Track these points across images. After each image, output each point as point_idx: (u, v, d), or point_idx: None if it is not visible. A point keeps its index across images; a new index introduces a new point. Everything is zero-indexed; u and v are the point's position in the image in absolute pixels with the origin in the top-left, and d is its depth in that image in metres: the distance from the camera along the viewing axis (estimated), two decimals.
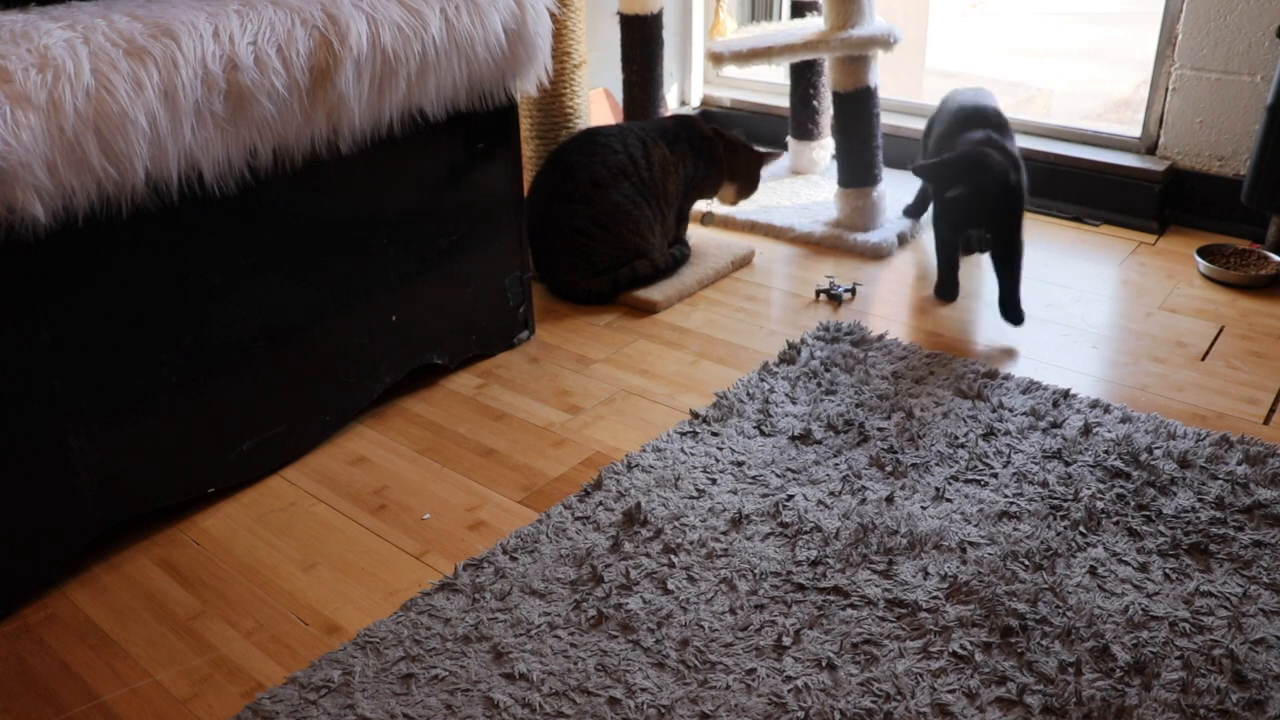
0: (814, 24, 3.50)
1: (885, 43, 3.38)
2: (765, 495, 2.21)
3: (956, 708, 1.69)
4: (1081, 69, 6.05)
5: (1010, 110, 3.22)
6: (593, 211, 3.04)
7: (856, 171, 3.52)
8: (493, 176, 2.68)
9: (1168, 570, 1.97)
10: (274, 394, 2.33)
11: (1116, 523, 2.09)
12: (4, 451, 1.90)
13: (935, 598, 1.91)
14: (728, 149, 3.33)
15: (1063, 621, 1.84)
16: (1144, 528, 2.07)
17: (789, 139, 4.07)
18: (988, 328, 2.93)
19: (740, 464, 2.31)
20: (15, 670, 1.85)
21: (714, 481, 2.26)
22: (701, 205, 3.42)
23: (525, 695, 1.73)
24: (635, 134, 3.15)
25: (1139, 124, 3.64)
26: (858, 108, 3.49)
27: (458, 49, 2.35)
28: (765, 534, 2.09)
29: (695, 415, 2.51)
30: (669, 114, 3.54)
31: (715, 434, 2.43)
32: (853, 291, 3.14)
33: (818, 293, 3.15)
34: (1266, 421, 2.47)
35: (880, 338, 2.82)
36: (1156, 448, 2.31)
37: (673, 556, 2.04)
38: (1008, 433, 2.39)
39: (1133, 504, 2.14)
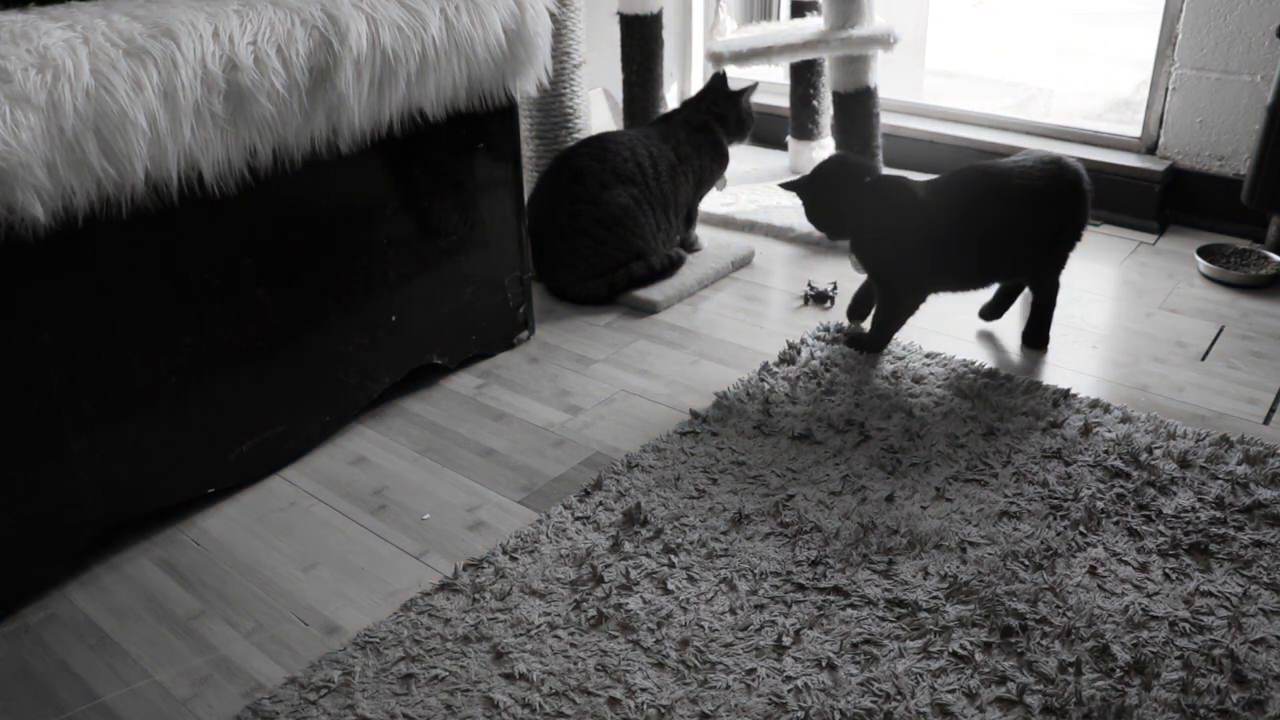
0: (814, 24, 3.50)
1: (885, 42, 3.38)
2: (765, 495, 2.21)
3: (956, 708, 1.69)
4: (1081, 68, 6.05)
5: (1011, 110, 3.21)
6: (598, 213, 3.04)
7: None
8: (492, 177, 2.68)
9: (1168, 570, 1.97)
10: (273, 394, 2.33)
11: (1116, 522, 2.09)
12: (4, 451, 1.90)
13: (935, 597, 1.91)
14: (722, 126, 3.32)
15: (1063, 621, 1.84)
16: (1144, 527, 2.07)
17: (789, 139, 4.08)
18: (988, 328, 2.93)
19: (740, 464, 2.31)
20: (15, 670, 1.85)
21: (714, 481, 2.26)
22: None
23: (525, 695, 1.73)
24: (643, 144, 3.15)
25: (1139, 124, 3.64)
26: (858, 108, 3.49)
27: (457, 49, 2.35)
28: (765, 534, 2.09)
29: (695, 415, 2.51)
30: (666, 111, 3.53)
31: (715, 434, 2.43)
32: (834, 286, 3.13)
33: (805, 298, 3.14)
34: (1266, 421, 2.47)
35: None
36: (1156, 448, 2.31)
37: (673, 556, 2.04)
38: (1008, 432, 2.39)
39: (1133, 504, 2.14)
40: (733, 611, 1.90)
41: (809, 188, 2.78)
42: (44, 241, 1.81)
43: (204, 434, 2.22)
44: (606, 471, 2.30)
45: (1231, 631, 1.82)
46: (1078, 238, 2.71)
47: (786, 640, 1.83)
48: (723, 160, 3.33)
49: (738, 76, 3.39)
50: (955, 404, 2.50)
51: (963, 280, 2.75)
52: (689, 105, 3.34)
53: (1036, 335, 2.82)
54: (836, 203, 2.74)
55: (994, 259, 2.70)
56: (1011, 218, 2.62)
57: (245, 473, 2.32)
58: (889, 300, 2.76)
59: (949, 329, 2.91)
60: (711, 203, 3.72)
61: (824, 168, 2.78)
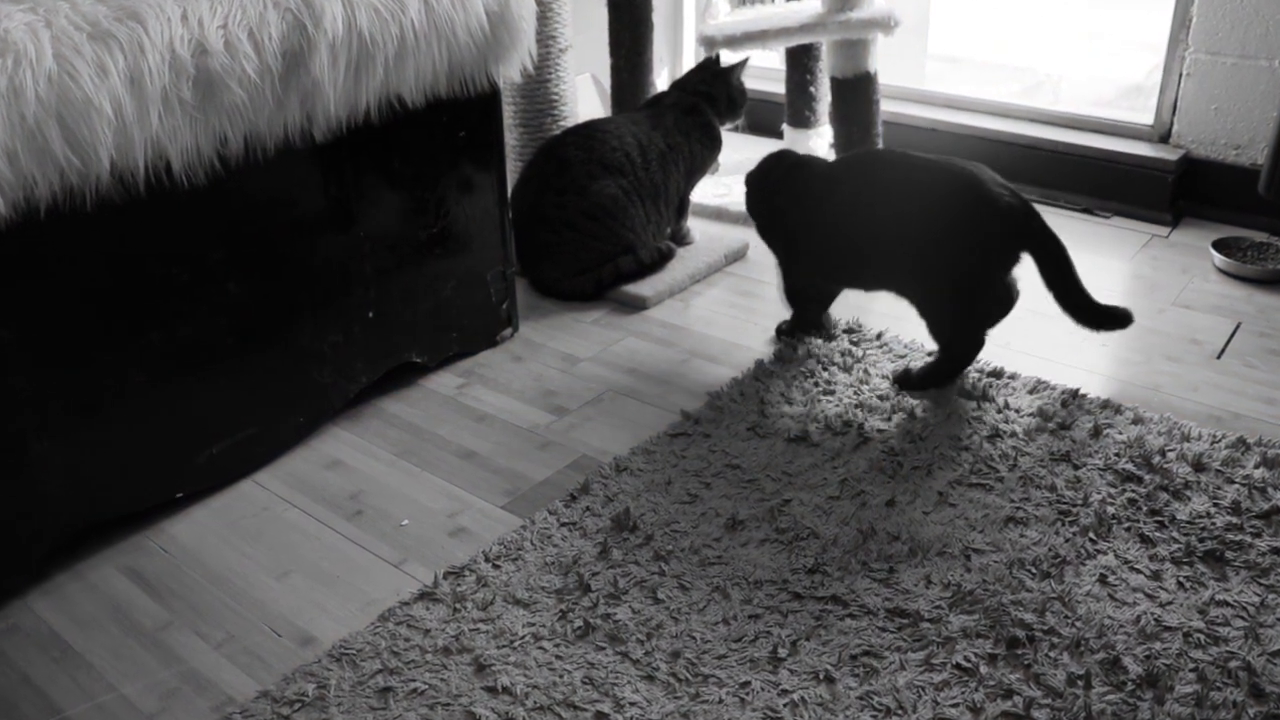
0: (811, 6, 3.50)
1: (885, 25, 3.39)
2: (760, 500, 2.21)
3: None
4: (1091, 53, 6.05)
5: (1017, 97, 3.20)
6: (586, 204, 3.04)
7: None
8: (474, 167, 2.68)
9: (1181, 578, 1.97)
10: (245, 394, 2.33)
11: (1128, 529, 2.10)
12: None
13: (938, 607, 1.92)
14: (712, 107, 3.32)
15: (1071, 632, 1.85)
16: (1157, 534, 2.08)
17: (785, 127, 4.07)
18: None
19: (734, 467, 2.32)
20: None
21: (707, 485, 2.27)
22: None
23: (508, 709, 1.74)
24: (631, 132, 3.16)
25: (1151, 111, 3.65)
26: (857, 94, 3.50)
27: (437, 32, 2.35)
28: (760, 540, 2.10)
29: (687, 416, 2.51)
30: (654, 94, 3.53)
31: (708, 436, 2.43)
32: None
33: None
34: None
35: (879, 335, 2.82)
36: (1170, 450, 2.31)
37: (663, 564, 2.04)
38: (1014, 434, 2.40)
39: (1145, 509, 2.15)
40: (726, 621, 1.90)
41: (751, 180, 2.84)
42: (4, 234, 1.81)
43: (172, 436, 2.22)
44: (594, 475, 2.31)
45: (1248, 643, 1.83)
46: (981, 287, 2.52)
47: (782, 652, 1.83)
48: (715, 144, 3.33)
49: (727, 61, 3.39)
50: (958, 404, 2.51)
51: (833, 273, 2.75)
52: (677, 87, 3.35)
53: (907, 376, 2.63)
54: (765, 196, 2.81)
55: (858, 255, 2.63)
56: (882, 215, 2.53)
57: (215, 476, 2.32)
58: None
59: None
60: (704, 194, 3.72)
61: (763, 162, 2.83)
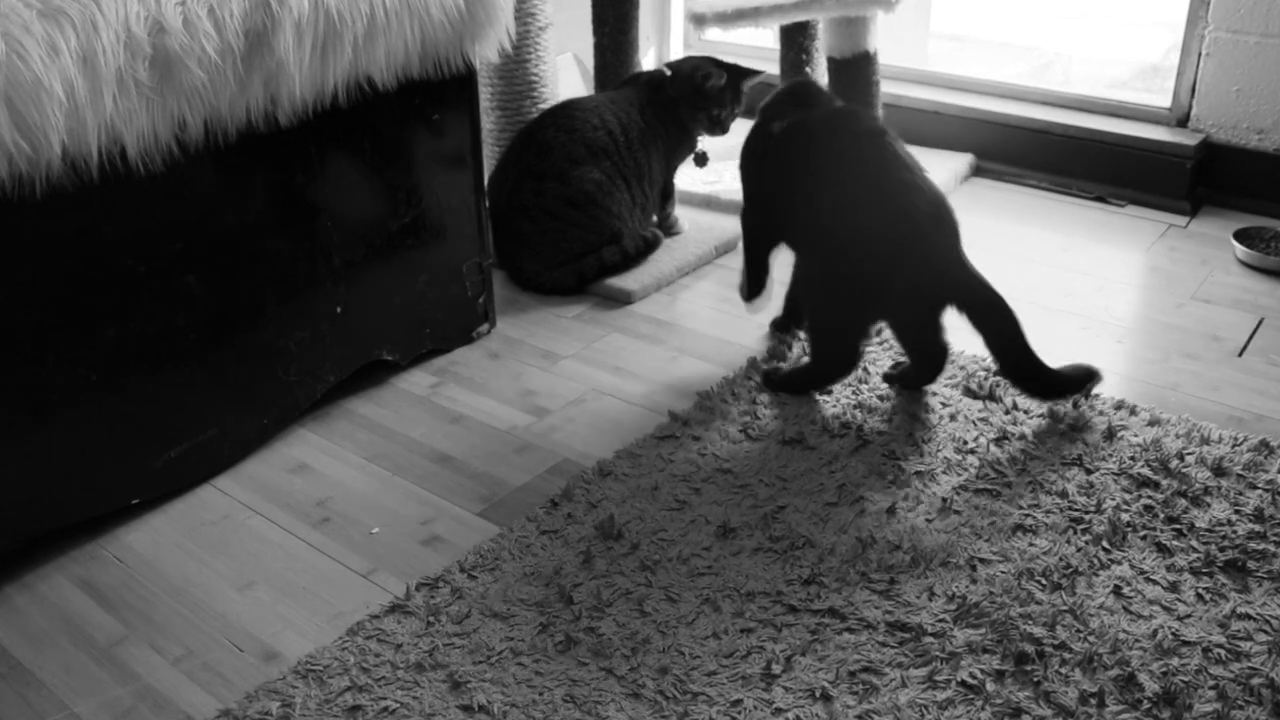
0: None
1: (886, 2, 3.39)
2: (753, 506, 2.22)
3: None
4: (1105, 31, 6.07)
5: (1027, 78, 3.20)
6: (568, 191, 3.04)
7: None
8: (449, 152, 2.68)
9: (1201, 590, 1.98)
10: (206, 394, 2.33)
11: (1144, 537, 2.10)
12: None
13: (942, 620, 1.92)
14: (689, 109, 3.28)
15: (1084, 647, 1.85)
16: (1174, 543, 2.09)
17: None
18: None
19: (725, 471, 2.32)
20: None
21: (696, 491, 2.27)
22: None
23: None
24: (611, 110, 3.16)
25: (1169, 93, 3.66)
26: (855, 75, 3.50)
27: (410, 10, 2.35)
28: (753, 549, 2.10)
29: (675, 417, 2.51)
30: (635, 73, 3.52)
31: (697, 438, 2.44)
32: None
33: None
34: None
35: (879, 331, 2.83)
36: (1188, 453, 2.32)
37: (650, 574, 2.04)
38: (1022, 437, 2.40)
39: (1162, 516, 2.15)
40: (717, 635, 1.91)
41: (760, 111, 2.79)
42: None
43: (128, 438, 2.21)
44: (576, 480, 2.31)
45: (1271, 658, 1.83)
46: (868, 300, 2.49)
47: (776, 668, 1.83)
48: (687, 137, 3.30)
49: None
50: (964, 405, 2.51)
51: (768, 228, 2.72)
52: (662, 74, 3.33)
53: (771, 375, 2.64)
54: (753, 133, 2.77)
55: (774, 213, 2.64)
56: (811, 183, 2.51)
57: (174, 481, 2.32)
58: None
59: (957, 321, 2.91)
60: (693, 181, 3.72)
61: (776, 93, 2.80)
